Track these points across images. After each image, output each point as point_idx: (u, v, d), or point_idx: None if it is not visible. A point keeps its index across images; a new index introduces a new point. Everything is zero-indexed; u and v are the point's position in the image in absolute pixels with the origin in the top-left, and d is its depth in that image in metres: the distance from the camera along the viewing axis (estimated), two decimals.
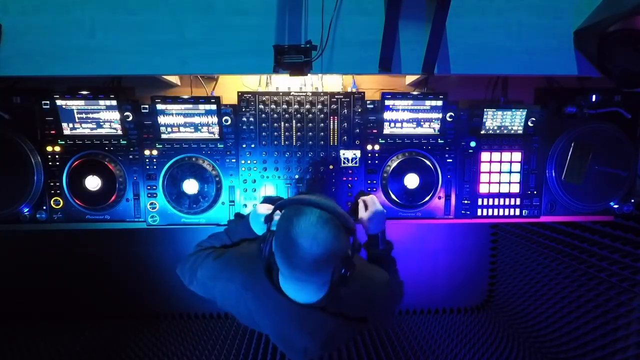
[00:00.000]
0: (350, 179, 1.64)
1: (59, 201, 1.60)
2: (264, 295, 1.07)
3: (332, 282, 0.98)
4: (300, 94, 1.60)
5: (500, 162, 1.66)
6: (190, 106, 1.55)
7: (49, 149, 1.58)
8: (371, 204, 1.38)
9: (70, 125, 1.57)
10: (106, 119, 1.57)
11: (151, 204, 1.62)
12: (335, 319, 1.06)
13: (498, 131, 1.64)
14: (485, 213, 1.68)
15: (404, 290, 1.40)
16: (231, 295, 1.13)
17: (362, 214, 1.38)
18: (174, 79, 1.74)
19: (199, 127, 1.58)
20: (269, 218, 1.07)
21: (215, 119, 1.57)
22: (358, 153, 1.63)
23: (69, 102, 1.54)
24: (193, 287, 1.26)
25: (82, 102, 1.54)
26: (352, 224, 1.00)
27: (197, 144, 1.60)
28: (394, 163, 1.61)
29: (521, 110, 1.61)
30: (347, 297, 1.07)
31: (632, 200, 1.66)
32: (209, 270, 1.18)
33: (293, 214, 0.96)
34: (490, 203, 1.68)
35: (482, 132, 1.64)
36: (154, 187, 1.61)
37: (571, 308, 1.97)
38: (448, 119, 1.60)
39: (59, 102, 1.54)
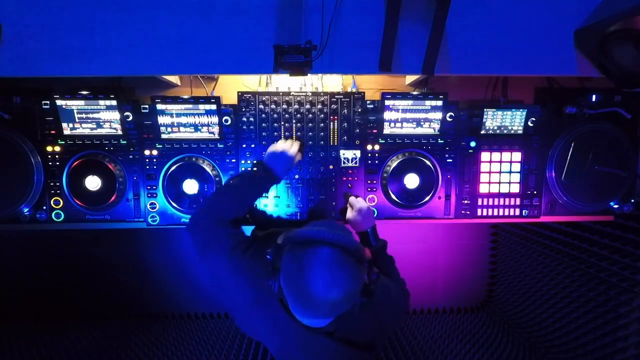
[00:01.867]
0: (350, 179, 1.64)
1: (59, 201, 1.60)
2: (273, 315, 1.03)
3: (351, 311, 0.93)
4: (300, 94, 1.60)
5: (500, 162, 1.66)
6: (190, 106, 1.55)
7: (49, 149, 1.58)
8: (355, 202, 1.43)
9: (70, 125, 1.57)
10: (106, 119, 1.57)
11: (151, 204, 1.62)
12: (342, 346, 1.02)
13: (498, 131, 1.64)
14: (485, 213, 1.68)
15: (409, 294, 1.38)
16: (238, 302, 1.09)
17: (348, 214, 1.43)
18: (174, 79, 1.74)
19: (199, 127, 1.58)
20: (272, 254, 0.96)
21: (215, 119, 1.57)
22: (358, 153, 1.63)
23: (69, 102, 1.54)
24: (202, 265, 1.17)
25: (82, 102, 1.54)
26: (364, 252, 0.94)
27: (197, 144, 1.60)
28: (394, 163, 1.61)
29: (521, 110, 1.61)
30: (357, 322, 1.02)
31: (632, 200, 1.66)
32: (223, 266, 1.11)
33: (303, 258, 0.89)
34: (490, 203, 1.68)
35: (482, 132, 1.64)
36: (154, 187, 1.61)
37: (571, 308, 1.97)
38: (448, 119, 1.60)
39: (59, 102, 1.54)
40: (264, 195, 1.59)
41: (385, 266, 1.36)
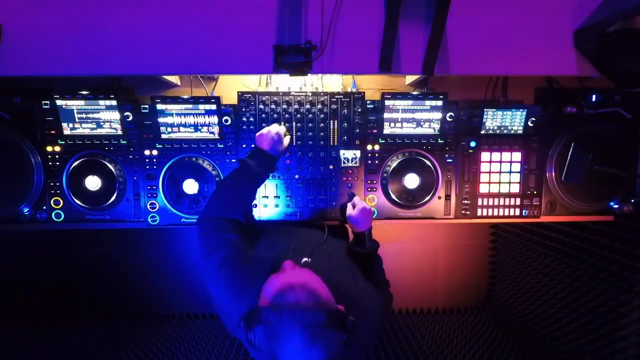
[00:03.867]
0: (350, 179, 1.64)
1: (59, 201, 1.60)
2: None
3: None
4: (300, 94, 1.60)
5: (500, 162, 1.66)
6: (190, 106, 1.55)
7: (49, 149, 1.58)
8: (359, 202, 1.45)
9: (70, 125, 1.57)
10: (106, 119, 1.57)
11: (151, 204, 1.62)
12: None
13: (498, 131, 1.64)
14: (485, 213, 1.68)
15: (392, 297, 1.40)
16: (224, 310, 1.10)
17: (350, 211, 1.44)
18: (174, 79, 1.74)
19: (199, 127, 1.58)
20: (247, 325, 0.92)
21: (215, 119, 1.57)
22: (358, 153, 1.63)
23: (69, 102, 1.54)
24: (201, 263, 1.16)
25: (82, 102, 1.54)
26: (336, 311, 0.90)
27: (197, 144, 1.60)
28: (394, 163, 1.61)
29: (521, 110, 1.61)
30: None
31: (632, 200, 1.66)
32: (211, 274, 1.10)
33: (275, 343, 0.85)
34: (490, 203, 1.68)
35: (482, 132, 1.64)
36: (154, 187, 1.61)
37: (571, 308, 1.97)
38: (448, 119, 1.60)
39: (59, 102, 1.54)
40: (263, 190, 1.59)
41: (373, 267, 1.38)
